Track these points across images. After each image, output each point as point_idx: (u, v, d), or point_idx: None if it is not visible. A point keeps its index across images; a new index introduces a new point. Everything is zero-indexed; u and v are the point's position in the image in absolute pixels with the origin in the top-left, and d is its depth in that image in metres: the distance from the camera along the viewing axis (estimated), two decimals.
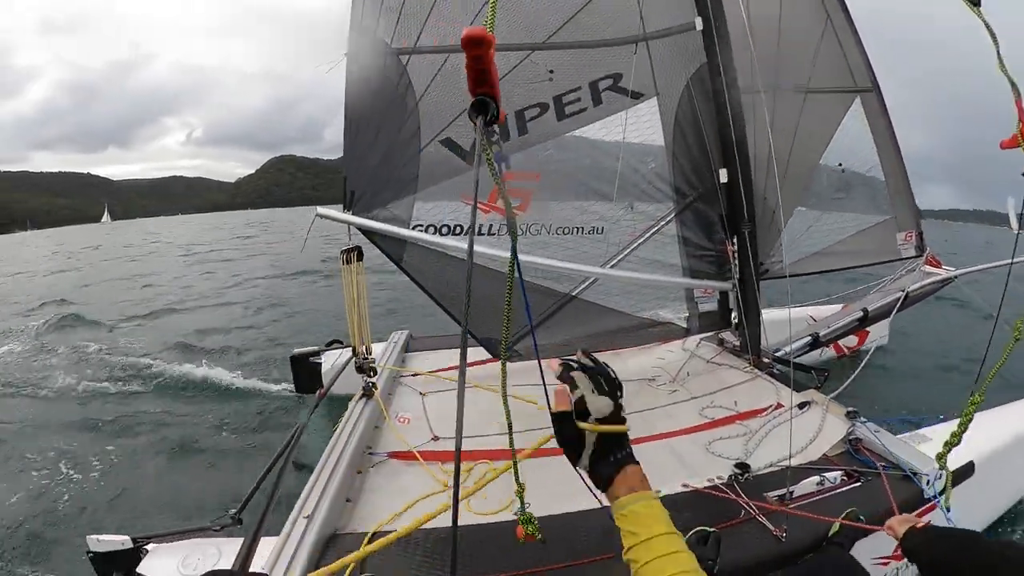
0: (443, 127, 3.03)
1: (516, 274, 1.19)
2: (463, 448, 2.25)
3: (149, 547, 2.29)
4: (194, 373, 6.28)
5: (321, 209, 2.95)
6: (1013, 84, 1.82)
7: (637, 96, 3.45)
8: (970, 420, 2.28)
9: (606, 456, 1.18)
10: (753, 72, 4.29)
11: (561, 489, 1.76)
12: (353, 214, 2.95)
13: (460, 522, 2.01)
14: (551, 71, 3.23)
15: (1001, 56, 1.83)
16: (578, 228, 3.38)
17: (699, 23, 3.56)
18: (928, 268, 5.24)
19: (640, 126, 3.50)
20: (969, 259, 5.37)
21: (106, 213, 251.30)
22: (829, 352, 5.62)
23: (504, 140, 3.15)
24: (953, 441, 2.36)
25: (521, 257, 2.94)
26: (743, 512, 2.27)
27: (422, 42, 2.94)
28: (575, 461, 1.21)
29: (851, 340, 5.63)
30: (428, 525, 2.11)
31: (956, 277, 5.21)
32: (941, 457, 2.53)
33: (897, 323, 5.72)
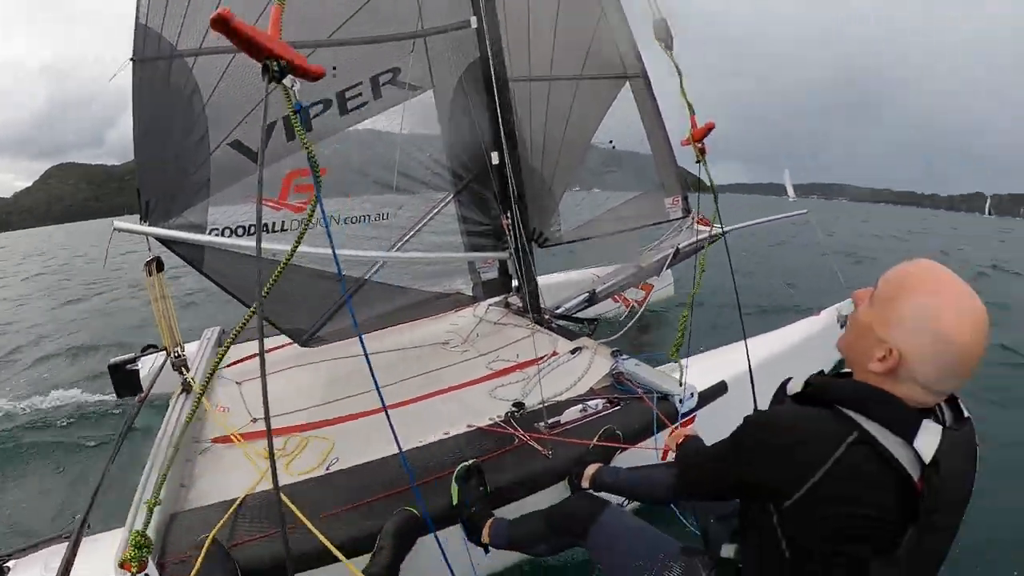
0: (231, 129, 3.14)
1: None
2: (282, 425, 2.77)
3: (10, 564, 2.42)
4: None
5: (118, 223, 3.03)
6: (690, 106, 2.76)
7: (415, 88, 3.78)
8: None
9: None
10: (530, 63, 4.96)
11: (365, 445, 2.28)
12: (150, 224, 3.03)
13: (282, 482, 2.49)
14: (334, 68, 3.42)
15: (684, 87, 2.79)
16: (366, 216, 3.70)
17: (474, 21, 3.98)
18: (699, 227, 6.26)
19: (418, 117, 3.86)
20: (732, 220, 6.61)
21: None
22: (620, 307, 6.57)
23: (290, 138, 3.30)
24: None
25: (312, 249, 3.32)
26: (516, 440, 2.80)
27: (208, 43, 3.01)
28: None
29: (639, 295, 6.54)
30: (258, 489, 2.53)
31: (724, 234, 6.26)
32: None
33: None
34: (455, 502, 2.41)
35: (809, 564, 1.23)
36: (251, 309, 1.56)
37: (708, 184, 2.86)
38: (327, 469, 2.76)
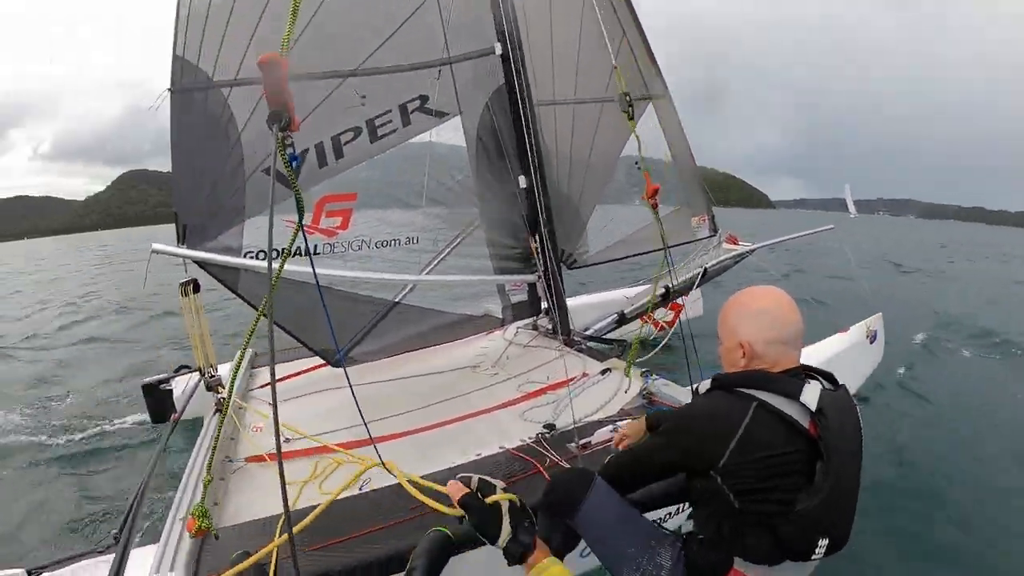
0: (265, 156, 3.23)
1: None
2: (313, 445, 2.74)
3: (44, 575, 2.44)
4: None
5: (156, 245, 3.11)
6: (647, 168, 3.56)
7: (442, 115, 3.86)
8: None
9: (522, 524, 1.45)
10: (554, 87, 5.03)
11: (398, 466, 2.29)
12: (187, 247, 3.13)
13: (314, 502, 2.44)
14: (363, 96, 3.52)
15: (641, 153, 3.67)
16: (395, 240, 3.77)
17: (498, 48, 4.08)
18: (727, 245, 6.24)
19: (447, 143, 3.94)
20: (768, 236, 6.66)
21: None
22: (648, 328, 6.52)
23: (322, 164, 3.41)
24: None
25: (344, 272, 3.41)
26: (548, 461, 2.80)
27: (243, 73, 3.14)
28: (495, 539, 1.44)
29: (668, 315, 6.53)
30: (298, 507, 2.51)
31: (752, 252, 6.26)
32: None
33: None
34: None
35: (753, 505, 1.53)
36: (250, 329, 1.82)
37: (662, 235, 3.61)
38: (360, 489, 2.76)
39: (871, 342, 5.09)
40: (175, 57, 3.06)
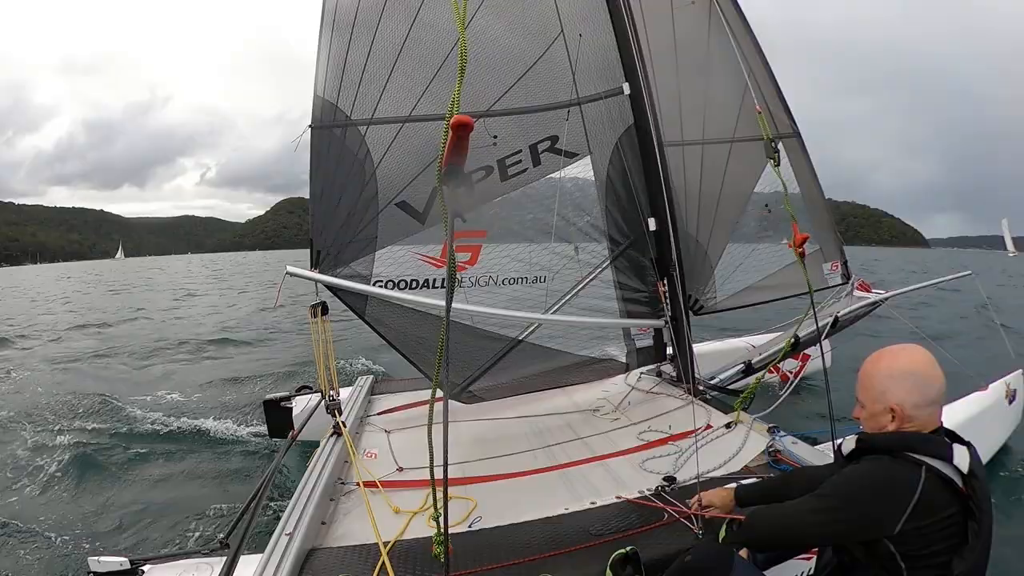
0: (399, 191, 3.37)
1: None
2: (423, 478, 2.70)
3: (145, 568, 2.50)
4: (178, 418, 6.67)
5: (290, 267, 3.25)
6: (793, 216, 3.34)
7: (572, 156, 3.85)
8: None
9: None
10: (681, 129, 4.86)
11: (509, 506, 2.20)
12: (319, 272, 3.26)
13: (420, 534, 2.44)
14: (495, 136, 3.57)
15: (787, 197, 3.45)
16: (523, 278, 3.77)
17: (627, 88, 4.03)
18: (859, 293, 5.77)
19: (576, 182, 3.92)
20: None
21: (120, 249, 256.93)
22: (774, 378, 6.11)
23: None
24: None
25: (471, 307, 3.42)
26: (666, 516, 2.64)
27: (379, 113, 3.29)
28: None
29: (794, 365, 6.11)
30: (391, 538, 2.51)
31: (884, 300, 5.76)
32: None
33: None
34: None
35: (918, 571, 1.55)
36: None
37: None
38: (470, 526, 2.70)
39: (1010, 402, 4.65)
40: (316, 97, 3.25)
